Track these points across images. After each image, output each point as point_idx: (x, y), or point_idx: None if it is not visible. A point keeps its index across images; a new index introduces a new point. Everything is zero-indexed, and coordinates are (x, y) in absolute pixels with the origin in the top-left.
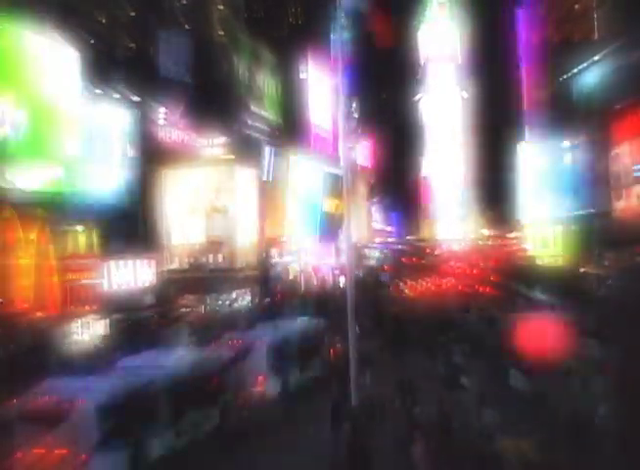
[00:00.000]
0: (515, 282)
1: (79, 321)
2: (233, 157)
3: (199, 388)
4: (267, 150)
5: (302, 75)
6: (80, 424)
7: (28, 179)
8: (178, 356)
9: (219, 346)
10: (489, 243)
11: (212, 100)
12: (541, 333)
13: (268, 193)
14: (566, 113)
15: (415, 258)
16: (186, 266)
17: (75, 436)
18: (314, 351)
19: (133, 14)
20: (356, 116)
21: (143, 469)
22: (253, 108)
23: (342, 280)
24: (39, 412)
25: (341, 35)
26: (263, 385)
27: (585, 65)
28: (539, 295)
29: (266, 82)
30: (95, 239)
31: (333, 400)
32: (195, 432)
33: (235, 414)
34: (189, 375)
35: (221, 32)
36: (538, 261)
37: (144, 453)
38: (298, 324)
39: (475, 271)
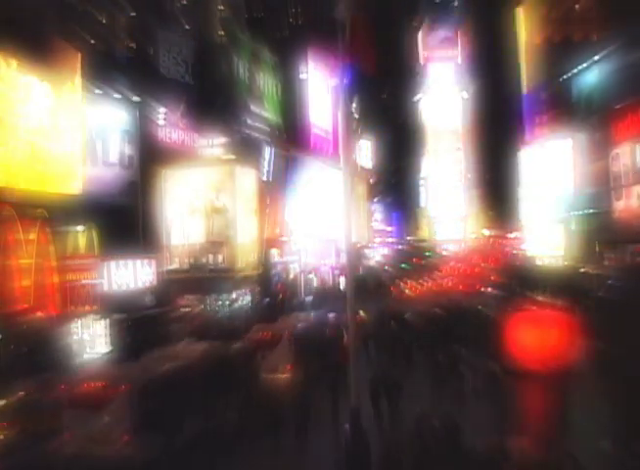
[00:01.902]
0: (515, 282)
1: (79, 321)
2: (233, 157)
3: (223, 376)
4: (267, 150)
5: (302, 76)
6: (123, 407)
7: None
8: (206, 347)
9: (249, 337)
10: (490, 243)
11: (212, 100)
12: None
13: (268, 193)
14: (566, 113)
15: (415, 259)
16: (186, 267)
17: (119, 417)
18: (333, 341)
19: (133, 14)
20: (356, 116)
21: (176, 448)
22: (253, 108)
23: (342, 280)
24: (86, 396)
25: (341, 35)
26: (290, 372)
27: (585, 65)
28: (539, 295)
29: (266, 82)
30: (95, 239)
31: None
32: (222, 417)
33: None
34: (215, 365)
35: (221, 32)
36: (538, 261)
37: (176, 434)
38: (316, 316)
39: (475, 271)
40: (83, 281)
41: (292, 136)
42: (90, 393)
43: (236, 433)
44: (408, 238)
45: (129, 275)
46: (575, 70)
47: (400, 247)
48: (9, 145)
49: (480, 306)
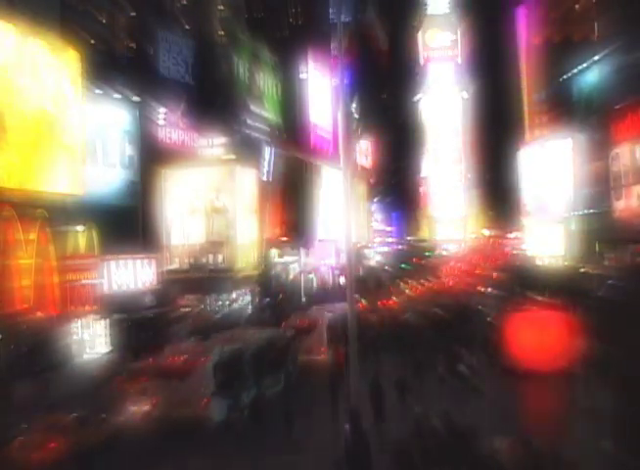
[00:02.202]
0: (515, 282)
1: (79, 321)
2: (233, 157)
3: (271, 357)
4: (267, 150)
5: (302, 75)
6: (201, 377)
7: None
8: (257, 332)
9: (288, 324)
10: (490, 243)
11: (212, 100)
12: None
13: (268, 193)
14: (566, 113)
15: (415, 259)
16: (186, 267)
17: (198, 386)
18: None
19: (133, 14)
20: (356, 116)
21: (237, 414)
22: (253, 108)
23: (342, 280)
24: (171, 368)
25: (340, 35)
26: (325, 354)
27: (585, 65)
28: (539, 295)
29: (266, 82)
30: (95, 239)
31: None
32: (269, 389)
33: (296, 377)
34: (265, 347)
35: (221, 32)
36: (538, 261)
37: (238, 402)
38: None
39: (475, 271)
40: (83, 281)
41: (292, 136)
42: (174, 366)
43: (281, 401)
44: (408, 238)
45: (129, 275)
46: (575, 70)
47: (400, 247)
48: (10, 145)
49: (480, 306)
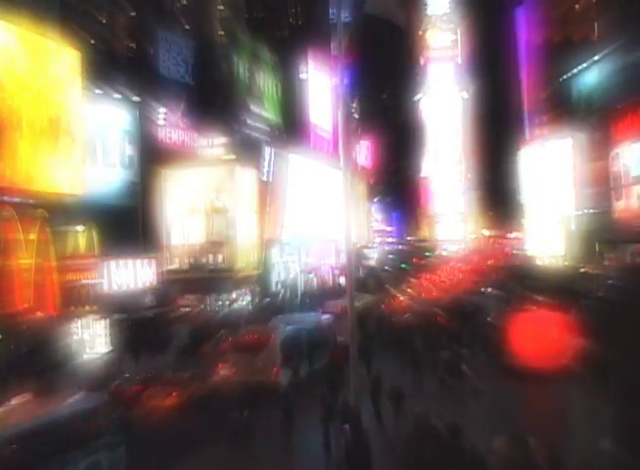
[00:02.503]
0: (515, 282)
1: (79, 321)
2: (233, 157)
3: (319, 336)
4: (267, 150)
5: (302, 75)
6: (271, 351)
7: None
8: (308, 316)
9: (327, 309)
10: (490, 243)
11: (212, 100)
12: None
13: (268, 193)
14: (566, 113)
15: (415, 259)
16: (186, 267)
17: (270, 358)
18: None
19: (133, 14)
20: (356, 116)
21: (297, 382)
22: (253, 108)
23: (342, 280)
24: (248, 344)
25: (340, 35)
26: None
27: (585, 65)
28: (539, 295)
29: (266, 82)
30: (95, 239)
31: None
32: (317, 363)
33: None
34: (315, 328)
35: (221, 32)
36: (538, 261)
37: (297, 372)
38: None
39: (475, 271)
40: (83, 281)
41: (292, 136)
42: (251, 342)
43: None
44: (408, 238)
45: (129, 275)
46: (575, 70)
47: (400, 247)
48: (10, 145)
49: (480, 306)
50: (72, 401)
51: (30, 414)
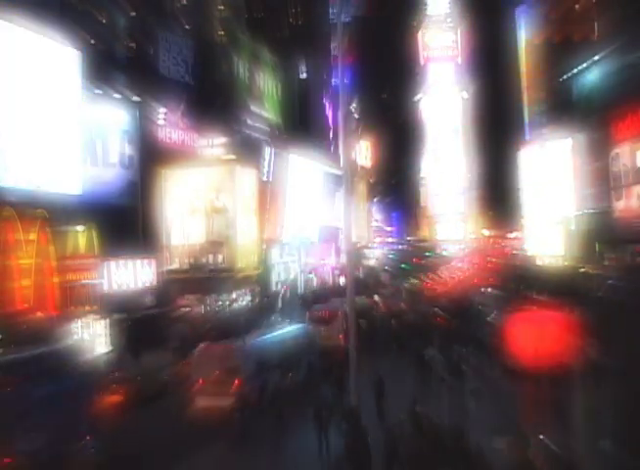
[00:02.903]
0: (515, 282)
1: (79, 321)
2: (233, 157)
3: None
4: (267, 150)
5: (302, 75)
6: (338, 323)
7: (28, 179)
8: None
9: (313, 314)
10: (490, 243)
11: (212, 100)
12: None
13: (268, 193)
14: (566, 113)
15: (415, 259)
16: (186, 267)
17: (337, 328)
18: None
19: (133, 14)
20: (356, 116)
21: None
22: (253, 108)
23: (342, 280)
24: (323, 317)
25: (340, 35)
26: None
27: (585, 65)
28: (539, 295)
29: (266, 82)
30: (95, 239)
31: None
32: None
33: None
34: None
35: (221, 32)
36: (538, 261)
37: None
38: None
39: (475, 271)
40: (83, 281)
41: (292, 136)
42: (324, 315)
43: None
44: (408, 238)
45: (129, 275)
46: (575, 71)
47: (400, 247)
48: (9, 144)
49: (480, 306)
50: None
51: None
